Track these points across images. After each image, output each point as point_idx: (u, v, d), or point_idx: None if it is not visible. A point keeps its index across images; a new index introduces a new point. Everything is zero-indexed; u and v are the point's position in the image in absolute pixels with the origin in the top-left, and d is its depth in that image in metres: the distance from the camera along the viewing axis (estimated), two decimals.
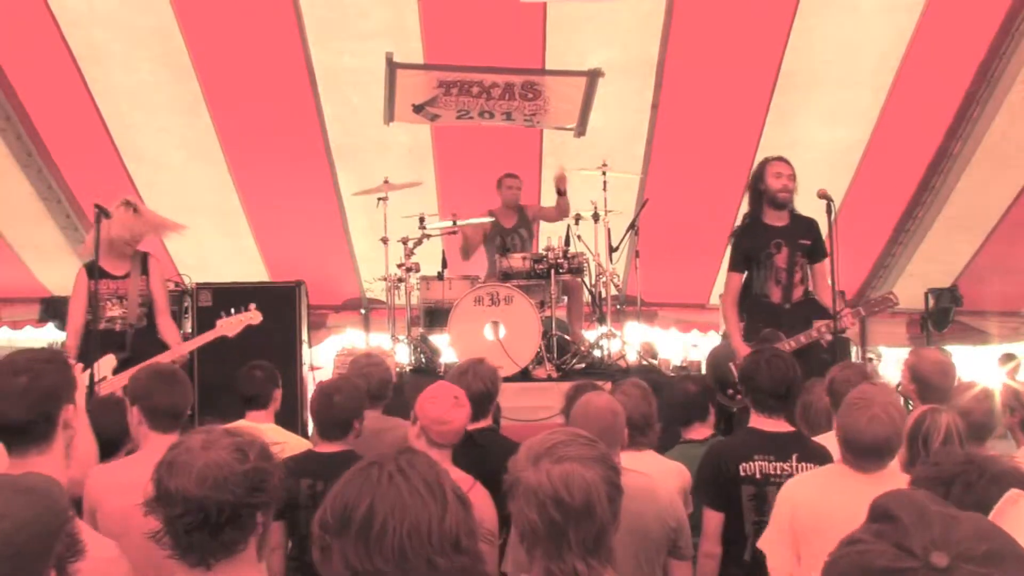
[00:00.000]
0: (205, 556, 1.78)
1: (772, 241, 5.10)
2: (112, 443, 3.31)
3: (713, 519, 3.30)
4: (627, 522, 2.66)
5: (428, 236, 6.59)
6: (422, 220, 6.58)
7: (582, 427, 2.78)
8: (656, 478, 3.04)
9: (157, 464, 1.84)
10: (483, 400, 3.64)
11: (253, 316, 5.01)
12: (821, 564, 1.04)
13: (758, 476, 3.26)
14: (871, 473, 2.77)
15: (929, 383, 3.79)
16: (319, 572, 1.47)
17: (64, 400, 2.21)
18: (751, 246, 5.17)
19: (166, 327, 5.10)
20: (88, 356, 4.77)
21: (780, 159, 5.20)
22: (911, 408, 3.70)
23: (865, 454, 2.75)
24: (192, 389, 3.24)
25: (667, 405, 4.18)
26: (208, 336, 4.97)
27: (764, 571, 3.18)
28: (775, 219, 5.15)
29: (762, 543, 2.93)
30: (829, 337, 4.86)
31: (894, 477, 2.72)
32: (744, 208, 7.21)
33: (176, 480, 1.77)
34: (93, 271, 4.77)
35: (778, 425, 3.41)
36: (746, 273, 5.18)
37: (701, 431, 4.08)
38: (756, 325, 5.05)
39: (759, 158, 6.95)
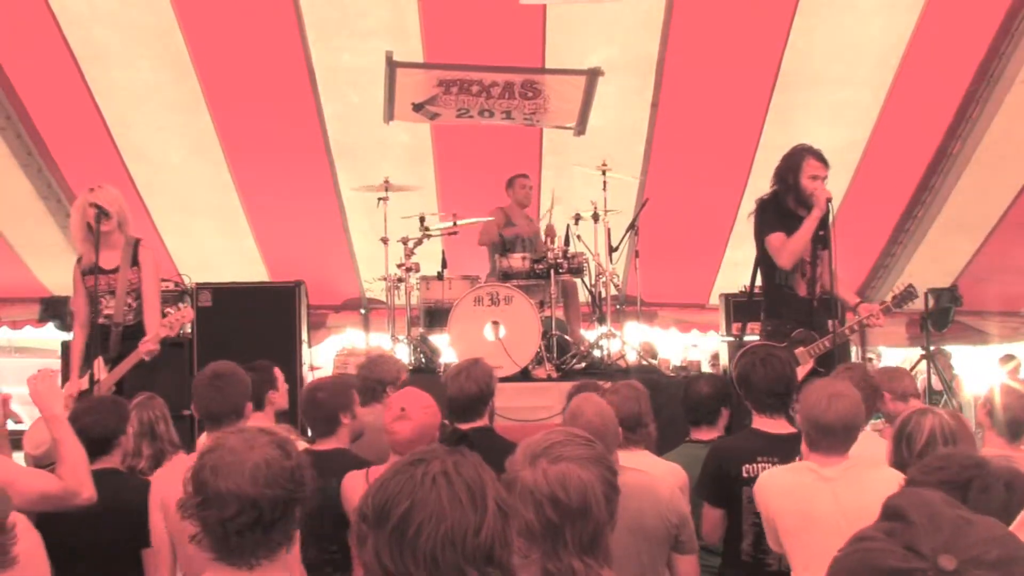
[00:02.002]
0: (252, 555, 1.80)
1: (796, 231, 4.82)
2: (104, 441, 3.30)
3: (713, 514, 3.33)
4: (627, 520, 2.67)
5: (428, 236, 6.59)
6: (422, 220, 6.57)
7: None
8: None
9: (195, 468, 1.85)
10: (478, 401, 3.63)
11: (185, 314, 4.80)
12: (809, 560, 1.04)
13: None
14: (836, 461, 2.81)
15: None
16: (358, 559, 1.47)
17: None
18: (779, 223, 4.82)
19: (147, 321, 4.84)
20: (88, 356, 4.78)
21: (819, 157, 4.82)
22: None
23: (829, 433, 2.79)
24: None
25: (678, 404, 4.16)
26: (133, 358, 4.64)
27: (762, 571, 3.19)
28: (798, 209, 4.84)
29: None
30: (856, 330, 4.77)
31: (858, 466, 2.79)
32: (743, 209, 7.29)
33: (227, 480, 1.78)
34: (85, 267, 4.77)
35: (780, 426, 3.41)
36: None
37: (709, 433, 4.04)
38: (785, 325, 4.78)
39: (759, 158, 7.01)
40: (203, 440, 3.55)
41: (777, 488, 2.88)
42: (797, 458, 3.24)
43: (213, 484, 1.79)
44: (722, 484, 3.33)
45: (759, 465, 3.27)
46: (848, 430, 2.81)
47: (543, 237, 6.86)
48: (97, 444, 3.21)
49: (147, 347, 4.62)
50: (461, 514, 1.39)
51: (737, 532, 3.28)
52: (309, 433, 3.76)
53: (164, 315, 4.80)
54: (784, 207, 4.87)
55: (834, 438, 2.80)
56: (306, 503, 1.88)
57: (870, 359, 8.28)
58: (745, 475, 3.27)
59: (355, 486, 3.05)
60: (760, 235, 4.93)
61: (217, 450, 1.84)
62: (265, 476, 1.79)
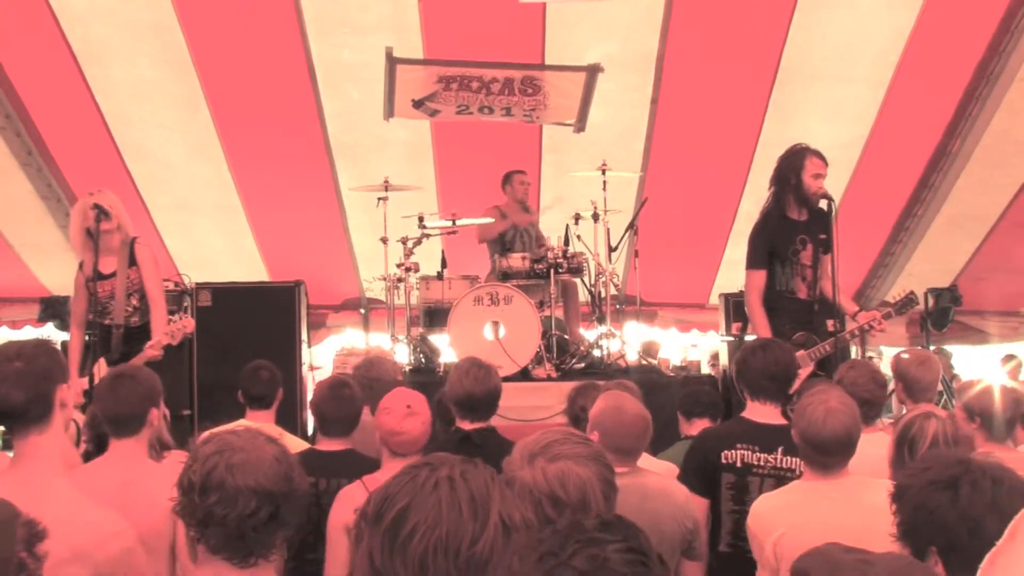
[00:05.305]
0: (263, 550, 1.80)
1: (797, 237, 4.83)
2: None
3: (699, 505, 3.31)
4: (645, 520, 2.63)
5: (428, 236, 6.58)
6: (421, 219, 6.57)
7: (614, 432, 2.78)
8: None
9: (204, 469, 1.80)
10: (497, 397, 3.60)
11: (186, 324, 4.77)
12: None
13: (739, 464, 3.24)
14: (835, 478, 2.72)
15: (908, 378, 3.79)
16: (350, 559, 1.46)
17: (58, 380, 2.25)
18: (777, 243, 4.86)
19: (154, 321, 4.80)
20: (92, 356, 4.77)
21: (819, 155, 4.84)
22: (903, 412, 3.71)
23: (828, 450, 2.68)
24: (148, 394, 2.96)
25: (690, 400, 4.15)
26: (138, 361, 4.47)
27: (742, 559, 3.08)
28: (797, 213, 4.88)
29: None
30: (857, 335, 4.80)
31: (860, 483, 2.70)
32: (743, 207, 7.29)
33: (246, 477, 1.78)
34: (87, 273, 4.76)
35: (771, 415, 3.36)
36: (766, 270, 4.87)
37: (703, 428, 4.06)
38: (783, 326, 4.77)
39: (759, 154, 7.00)
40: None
41: (771, 510, 2.76)
42: (779, 449, 3.18)
43: (231, 482, 1.77)
44: (704, 472, 3.29)
45: (738, 452, 3.25)
46: (845, 447, 2.70)
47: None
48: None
49: (151, 353, 4.60)
50: (458, 522, 1.35)
51: (717, 521, 3.25)
52: (309, 432, 3.75)
53: (170, 314, 4.80)
54: (785, 219, 4.89)
55: (830, 456, 2.69)
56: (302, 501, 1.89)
57: (871, 357, 8.27)
58: (724, 461, 3.25)
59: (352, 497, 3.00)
60: (747, 260, 4.97)
61: (226, 451, 1.82)
62: (277, 471, 1.82)
